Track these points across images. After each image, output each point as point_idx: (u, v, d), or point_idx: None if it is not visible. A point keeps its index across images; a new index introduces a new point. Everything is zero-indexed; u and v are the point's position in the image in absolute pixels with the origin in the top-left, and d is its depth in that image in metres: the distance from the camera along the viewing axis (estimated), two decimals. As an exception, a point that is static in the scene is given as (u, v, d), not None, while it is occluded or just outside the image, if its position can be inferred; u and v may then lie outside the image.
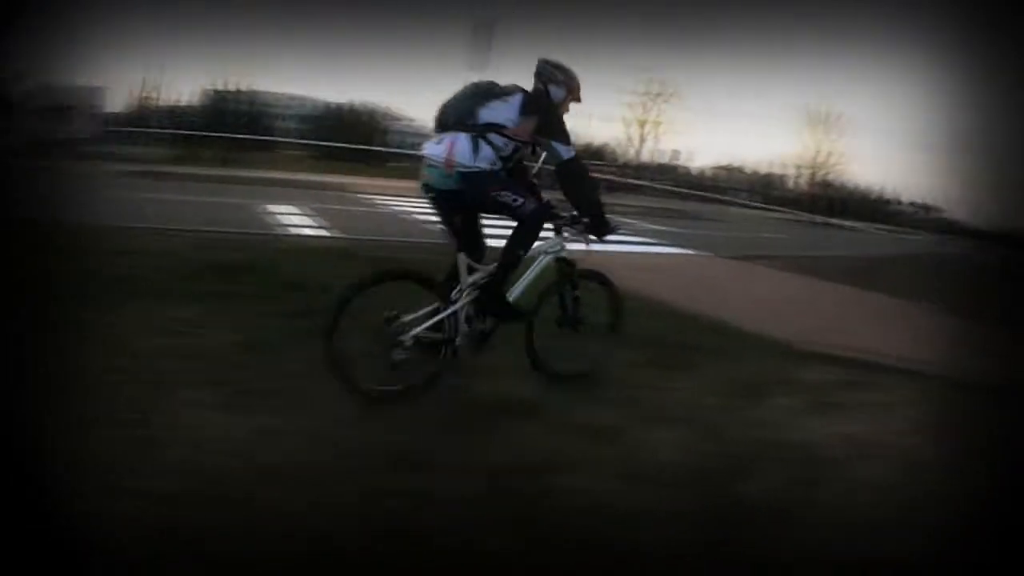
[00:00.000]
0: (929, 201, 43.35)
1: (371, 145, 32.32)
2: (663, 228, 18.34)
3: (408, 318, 4.55)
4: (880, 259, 20.11)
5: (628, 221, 17.85)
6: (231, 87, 32.64)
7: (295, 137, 33.61)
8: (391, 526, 3.36)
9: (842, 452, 4.94)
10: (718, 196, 39.13)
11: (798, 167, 41.53)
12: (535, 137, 4.74)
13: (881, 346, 8.16)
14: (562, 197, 4.97)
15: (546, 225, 4.92)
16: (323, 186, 20.32)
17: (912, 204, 45.05)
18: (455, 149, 4.50)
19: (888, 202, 44.29)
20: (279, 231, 12.26)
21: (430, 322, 4.59)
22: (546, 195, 4.97)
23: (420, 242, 10.58)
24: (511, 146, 4.67)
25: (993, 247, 30.72)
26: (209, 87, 33.06)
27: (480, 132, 4.54)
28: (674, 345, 6.92)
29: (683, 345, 6.96)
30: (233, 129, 29.78)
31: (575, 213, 4.99)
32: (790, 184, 42.45)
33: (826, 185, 40.02)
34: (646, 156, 40.48)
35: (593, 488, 4.04)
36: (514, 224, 4.74)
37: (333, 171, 25.47)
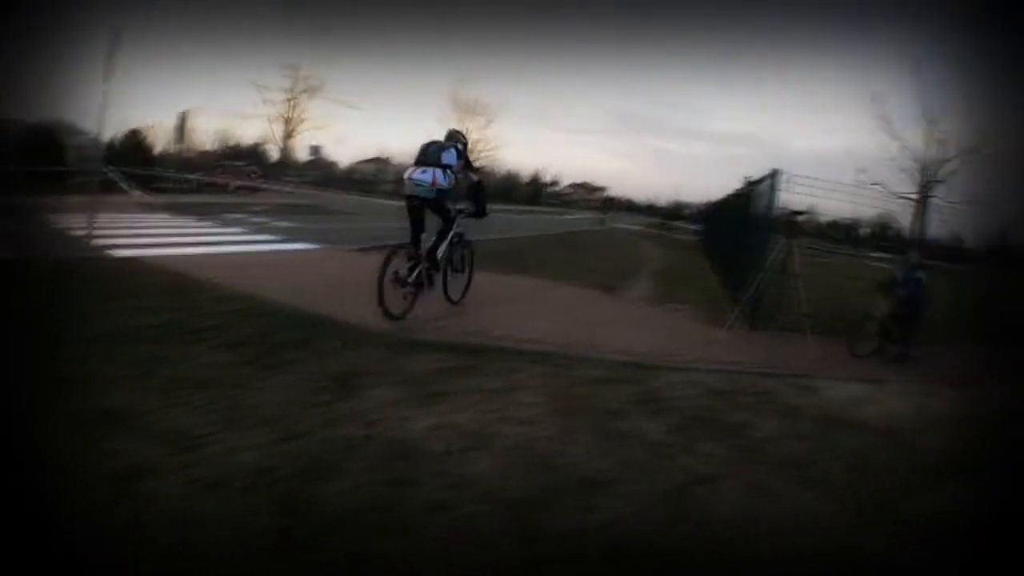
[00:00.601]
0: (590, 181, 46.26)
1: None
2: (293, 224, 18.37)
3: (409, 269, 8.62)
4: (523, 240, 21.28)
5: (257, 220, 18.17)
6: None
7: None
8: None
9: (441, 445, 5.12)
10: (363, 189, 39.74)
11: None
12: (463, 173, 9.24)
13: (499, 328, 8.76)
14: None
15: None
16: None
17: (572, 185, 47.68)
18: (436, 177, 8.59)
19: (546, 184, 46.43)
20: None
21: (416, 270, 8.68)
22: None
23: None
24: (454, 176, 8.87)
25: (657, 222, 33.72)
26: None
27: (443, 168, 8.65)
28: (275, 343, 7.01)
29: (283, 343, 7.02)
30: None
31: (471, 207, 9.62)
32: None
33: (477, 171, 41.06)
34: (290, 153, 41.02)
35: (170, 494, 4.02)
36: (443, 220, 9.09)
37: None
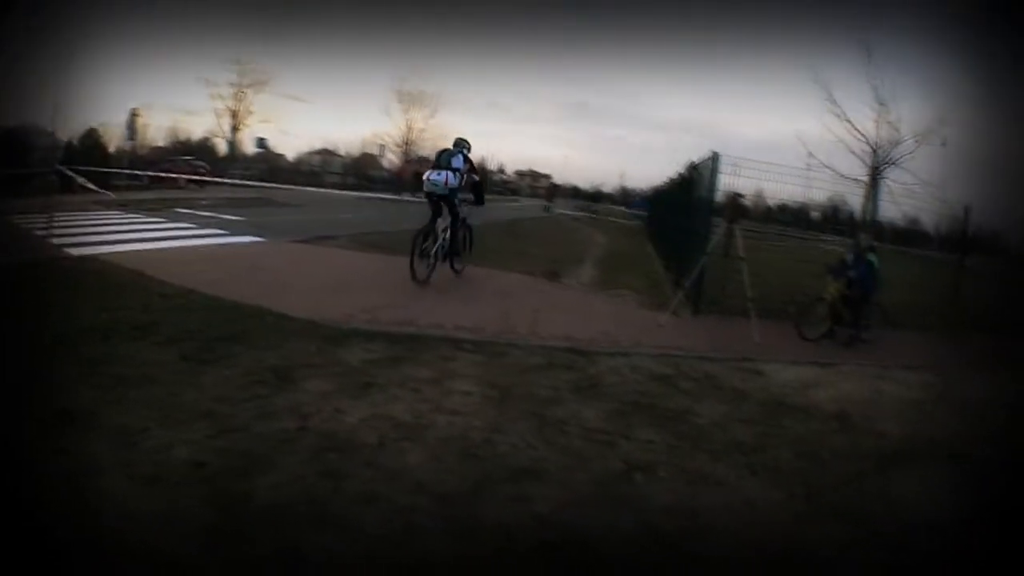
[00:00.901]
0: (536, 169, 47.57)
1: None
2: (239, 218, 18.16)
3: (430, 246, 10.82)
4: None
5: (205, 214, 17.98)
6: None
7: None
8: None
9: (375, 437, 5.03)
10: (309, 181, 40.43)
11: (395, 145, 43.91)
12: (468, 174, 11.17)
13: (437, 317, 8.68)
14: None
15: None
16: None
17: (518, 173, 48.84)
18: (448, 178, 10.64)
19: (492, 172, 47.46)
20: None
21: (435, 247, 10.83)
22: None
23: None
24: (462, 176, 10.90)
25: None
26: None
27: (454, 171, 10.70)
28: (214, 338, 6.89)
29: (222, 337, 6.94)
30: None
31: (472, 198, 11.79)
32: (384, 163, 44.76)
33: (421, 161, 41.89)
34: (238, 147, 41.61)
35: (111, 490, 3.97)
36: (451, 211, 11.14)
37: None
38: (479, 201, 12.01)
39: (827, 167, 19.97)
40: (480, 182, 12.03)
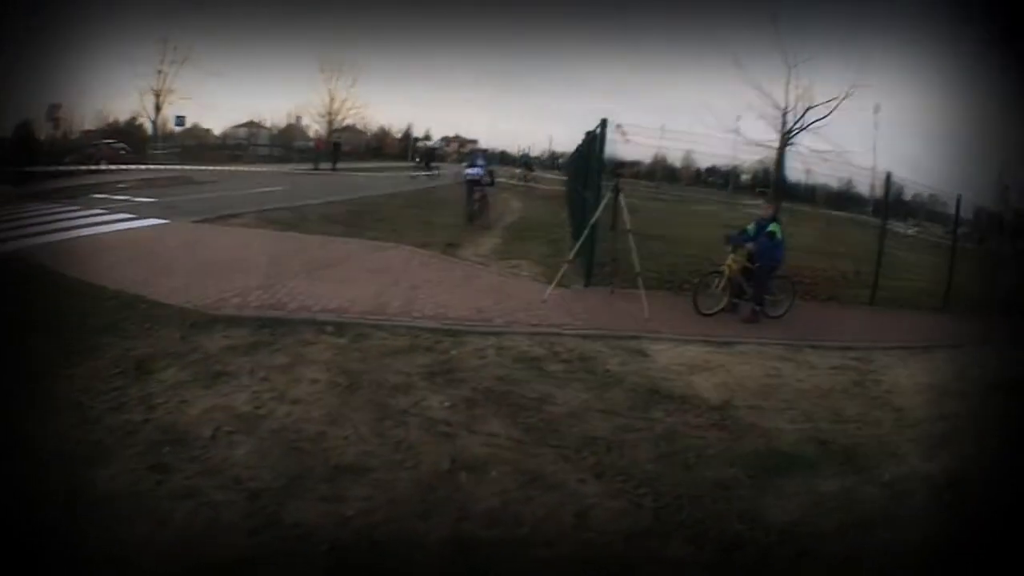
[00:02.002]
0: (462, 134, 48.24)
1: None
2: (151, 200, 17.84)
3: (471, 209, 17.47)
4: (372, 200, 21.11)
5: (119, 198, 17.69)
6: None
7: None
8: None
9: (210, 429, 5.06)
10: (234, 156, 40.77)
11: (318, 116, 44.42)
12: (486, 168, 18.31)
13: (305, 298, 8.51)
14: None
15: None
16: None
17: (444, 139, 49.24)
18: (477, 172, 17.76)
19: (417, 139, 47.96)
20: None
21: (472, 209, 17.63)
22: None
23: None
24: (483, 170, 17.95)
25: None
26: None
27: (479, 167, 17.91)
28: (89, 328, 6.99)
29: (97, 327, 7.03)
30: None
31: (488, 180, 18.12)
32: (310, 134, 45.23)
33: (345, 131, 41.79)
34: (163, 126, 42.02)
35: None
36: (480, 190, 17.90)
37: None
38: (491, 183, 18.29)
39: (733, 132, 19.79)
40: (492, 172, 18.61)
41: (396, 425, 5.19)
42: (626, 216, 9.90)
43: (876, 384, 7.34)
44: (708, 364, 7.39)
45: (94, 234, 12.46)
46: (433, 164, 35.55)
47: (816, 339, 8.87)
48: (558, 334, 7.79)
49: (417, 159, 37.49)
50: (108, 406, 5.26)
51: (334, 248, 11.85)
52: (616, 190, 10.08)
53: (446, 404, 5.58)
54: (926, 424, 6.27)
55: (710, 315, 9.56)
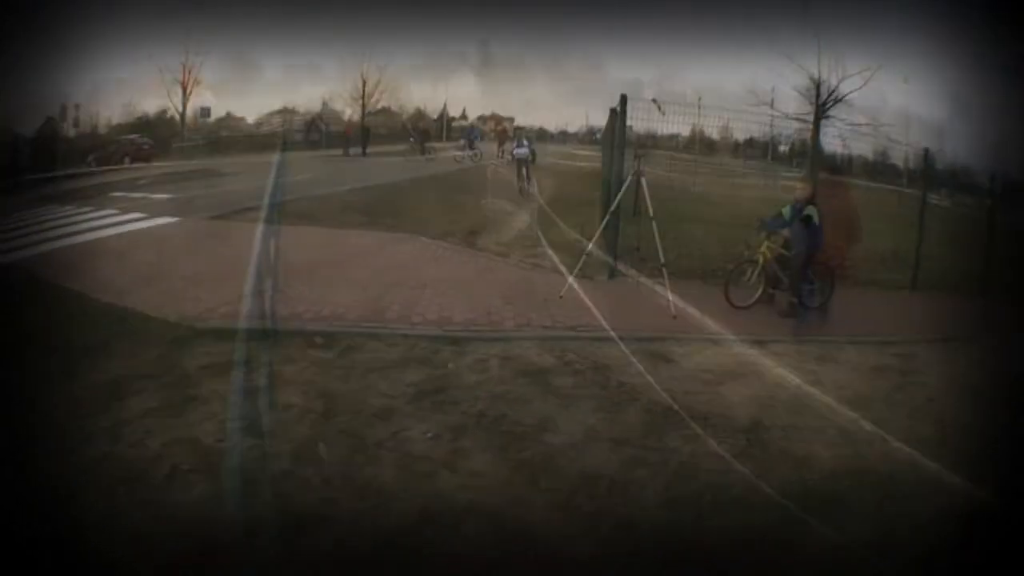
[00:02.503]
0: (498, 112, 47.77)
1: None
2: (168, 196, 17.40)
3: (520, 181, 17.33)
4: (390, 187, 19.92)
5: (136, 195, 17.55)
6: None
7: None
8: None
9: (168, 466, 4.71)
10: (265, 145, 40.44)
11: (352, 100, 44.18)
12: (529, 147, 18.86)
13: (299, 305, 8.13)
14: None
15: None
16: None
17: (480, 118, 48.57)
18: (524, 151, 18.57)
19: (453, 119, 47.40)
20: None
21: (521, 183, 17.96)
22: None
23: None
24: (528, 149, 18.73)
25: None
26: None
27: (524, 147, 18.71)
28: (77, 347, 6.73)
29: (84, 347, 6.68)
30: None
31: (530, 157, 18.47)
32: (344, 118, 45.24)
33: (380, 113, 41.86)
34: (195, 118, 41.93)
35: None
36: (527, 166, 18.34)
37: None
38: (534, 160, 18.88)
39: (767, 105, 19.04)
40: (533, 150, 19.14)
41: (368, 462, 4.68)
42: (647, 201, 9.07)
43: (922, 387, 6.56)
44: (738, 369, 6.68)
45: (98, 238, 12.19)
46: (428, 145, 34.12)
47: (858, 333, 8.07)
48: (572, 337, 7.16)
49: (411, 139, 35.83)
50: (79, 439, 5.00)
51: (346, 242, 11.32)
52: (637, 174, 9.33)
53: (428, 435, 5.00)
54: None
55: (744, 308, 8.77)
